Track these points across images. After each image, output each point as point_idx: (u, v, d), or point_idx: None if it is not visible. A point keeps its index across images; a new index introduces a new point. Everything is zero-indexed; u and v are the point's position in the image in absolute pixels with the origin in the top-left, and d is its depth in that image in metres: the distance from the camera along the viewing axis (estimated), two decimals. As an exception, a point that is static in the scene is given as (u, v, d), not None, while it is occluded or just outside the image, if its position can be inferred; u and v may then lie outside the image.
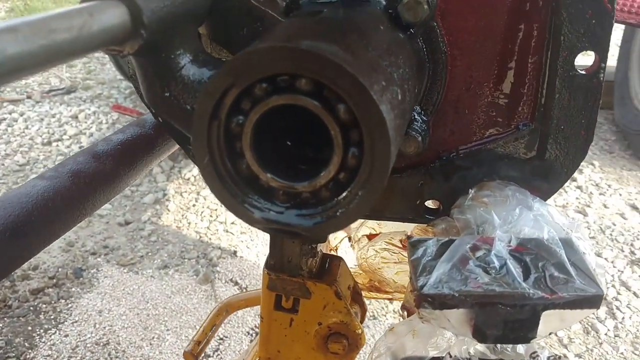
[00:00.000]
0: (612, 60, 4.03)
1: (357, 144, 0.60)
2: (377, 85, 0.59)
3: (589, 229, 3.29)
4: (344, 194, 0.62)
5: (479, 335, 0.76)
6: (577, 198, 3.60)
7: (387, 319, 2.67)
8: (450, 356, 0.82)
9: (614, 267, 2.98)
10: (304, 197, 0.65)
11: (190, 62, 0.69)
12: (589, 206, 3.51)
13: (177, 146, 1.24)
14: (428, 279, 0.75)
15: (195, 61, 0.69)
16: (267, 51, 0.57)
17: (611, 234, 3.25)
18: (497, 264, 0.77)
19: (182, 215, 3.33)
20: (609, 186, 3.74)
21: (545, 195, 0.95)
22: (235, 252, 3.04)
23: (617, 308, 2.71)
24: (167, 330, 2.50)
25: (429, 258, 0.79)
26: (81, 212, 1.05)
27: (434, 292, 0.74)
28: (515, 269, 0.76)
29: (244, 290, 2.79)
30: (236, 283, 2.83)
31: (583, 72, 0.87)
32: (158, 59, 0.66)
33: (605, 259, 3.03)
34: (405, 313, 0.97)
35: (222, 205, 0.64)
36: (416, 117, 0.91)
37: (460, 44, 0.89)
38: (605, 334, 2.58)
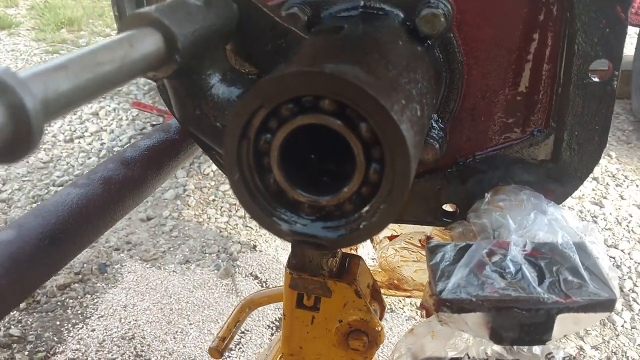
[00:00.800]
0: (629, 48, 3.98)
1: (379, 160, 0.64)
2: (397, 105, 0.62)
3: (605, 220, 3.29)
4: (367, 208, 0.66)
5: (496, 337, 0.79)
6: (593, 189, 3.59)
7: (404, 311, 2.71)
8: (469, 357, 0.85)
9: (630, 259, 2.98)
10: (328, 209, 0.68)
11: (219, 81, 0.72)
12: (605, 197, 3.50)
13: (200, 150, 1.27)
14: (446, 284, 0.78)
15: (224, 80, 0.73)
16: (293, 76, 0.60)
17: (628, 226, 3.24)
18: (512, 269, 0.79)
19: (202, 210, 3.39)
20: (626, 177, 3.72)
21: (559, 199, 0.97)
22: (254, 246, 3.09)
23: (634, 300, 2.72)
24: (190, 324, 2.56)
25: (447, 263, 0.82)
26: (112, 217, 1.09)
27: (452, 297, 0.76)
28: (530, 273, 0.79)
29: (264, 284, 2.84)
30: (256, 277, 2.88)
31: (597, 80, 0.89)
32: (190, 80, 0.69)
33: (622, 250, 3.03)
34: (424, 312, 1.00)
35: (252, 219, 0.68)
36: (433, 124, 0.94)
37: (476, 53, 0.91)
38: (622, 326, 2.59)
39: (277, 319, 2.61)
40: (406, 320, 2.65)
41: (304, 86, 0.60)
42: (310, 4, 0.87)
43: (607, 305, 0.76)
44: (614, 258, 2.96)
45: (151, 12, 0.61)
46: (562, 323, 0.78)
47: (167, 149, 1.27)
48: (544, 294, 0.76)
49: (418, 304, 2.61)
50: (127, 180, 1.14)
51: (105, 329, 2.51)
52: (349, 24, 0.83)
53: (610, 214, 3.35)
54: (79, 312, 2.62)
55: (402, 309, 2.72)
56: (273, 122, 0.64)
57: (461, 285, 0.78)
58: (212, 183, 3.64)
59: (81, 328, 2.52)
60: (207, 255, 3.02)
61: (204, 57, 0.70)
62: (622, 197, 3.52)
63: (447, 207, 1.04)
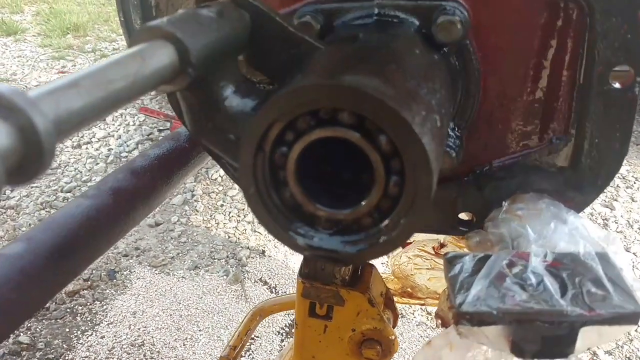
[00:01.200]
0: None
1: (398, 172, 0.62)
2: (418, 117, 0.60)
3: (616, 223, 3.25)
4: (386, 222, 0.64)
5: (517, 350, 0.77)
6: (603, 192, 3.55)
7: (414, 317, 2.69)
8: (489, 371, 0.84)
9: (643, 261, 2.95)
10: (346, 223, 0.66)
11: (233, 93, 0.71)
12: (616, 200, 3.47)
13: (210, 157, 1.26)
14: (466, 296, 0.76)
15: (238, 92, 0.71)
16: (310, 89, 0.59)
17: (639, 228, 3.22)
18: (534, 280, 0.77)
19: (211, 216, 3.38)
20: (636, 179, 3.69)
21: (578, 207, 0.95)
22: (263, 252, 3.08)
23: (649, 304, 2.69)
24: (200, 330, 2.55)
25: (466, 274, 0.80)
26: (122, 228, 1.08)
27: (472, 310, 0.75)
28: (552, 285, 0.77)
29: (273, 289, 2.83)
30: (265, 282, 2.87)
31: (618, 86, 0.87)
32: (203, 93, 0.68)
33: (634, 253, 3.00)
34: (439, 321, 0.99)
35: (268, 233, 0.66)
36: (450, 132, 0.92)
37: (493, 60, 0.89)
38: (636, 331, 2.56)
39: (287, 324, 2.59)
40: (417, 325, 2.63)
41: (322, 99, 0.59)
42: (323, 12, 0.85)
43: (632, 318, 0.74)
44: (626, 261, 2.93)
45: (163, 25, 0.59)
46: (586, 336, 0.76)
47: (176, 158, 1.25)
48: (567, 306, 0.74)
49: (429, 310, 2.59)
50: (137, 190, 1.12)
51: (114, 336, 2.50)
52: (363, 33, 0.81)
53: (622, 216, 3.32)
54: (88, 319, 2.61)
55: (413, 314, 2.70)
56: (289, 134, 0.63)
57: (481, 298, 0.76)
58: (220, 188, 3.63)
59: (90, 335, 2.52)
60: (216, 260, 3.01)
61: (217, 69, 0.69)
62: (632, 200, 3.48)
63: (463, 216, 1.02)
